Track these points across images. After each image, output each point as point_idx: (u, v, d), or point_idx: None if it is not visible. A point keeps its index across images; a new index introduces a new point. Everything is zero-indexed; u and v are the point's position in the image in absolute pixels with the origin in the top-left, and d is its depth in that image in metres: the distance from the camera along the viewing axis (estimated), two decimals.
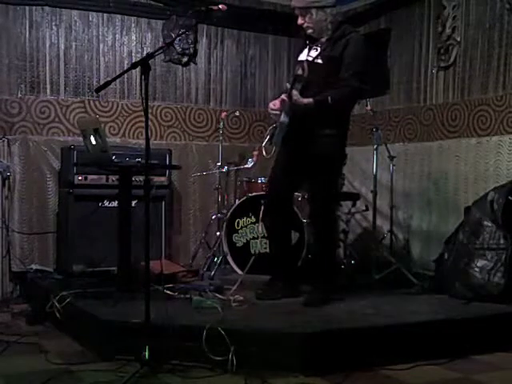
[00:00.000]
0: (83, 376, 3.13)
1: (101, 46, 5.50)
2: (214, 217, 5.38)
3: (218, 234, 5.17)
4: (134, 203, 4.30)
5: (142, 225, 3.26)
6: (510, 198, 4.30)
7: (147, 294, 3.17)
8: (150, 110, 3.29)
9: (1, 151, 5.05)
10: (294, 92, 3.83)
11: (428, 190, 5.45)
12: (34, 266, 5.10)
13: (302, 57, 4.05)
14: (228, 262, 4.91)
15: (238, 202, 4.97)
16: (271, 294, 4.11)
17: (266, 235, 4.62)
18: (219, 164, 5.31)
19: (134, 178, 4.31)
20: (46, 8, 5.27)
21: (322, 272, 4.06)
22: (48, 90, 5.31)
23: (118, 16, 5.54)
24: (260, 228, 4.66)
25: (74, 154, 4.90)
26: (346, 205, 5.51)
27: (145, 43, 5.66)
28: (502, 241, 4.17)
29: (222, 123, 5.45)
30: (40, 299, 4.31)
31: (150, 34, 5.68)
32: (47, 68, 5.30)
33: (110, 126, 5.53)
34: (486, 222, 4.28)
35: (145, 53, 5.16)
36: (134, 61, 4.79)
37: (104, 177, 4.98)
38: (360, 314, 3.75)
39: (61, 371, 3.16)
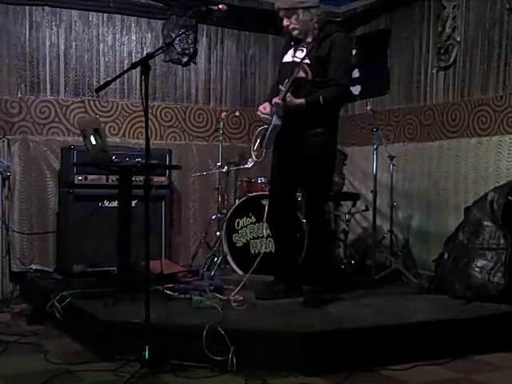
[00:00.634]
0: (83, 376, 3.13)
1: (101, 45, 5.50)
2: (214, 217, 5.38)
3: (217, 233, 5.17)
4: (134, 203, 4.30)
5: (142, 225, 3.26)
6: (510, 197, 4.30)
7: (147, 294, 3.17)
8: (150, 110, 3.29)
9: (1, 151, 5.05)
10: (288, 93, 3.83)
11: (428, 190, 5.45)
12: (33, 266, 5.10)
13: (287, 58, 4.06)
14: (228, 262, 4.91)
15: (237, 202, 4.97)
16: (271, 294, 4.11)
17: (268, 235, 4.62)
18: (219, 164, 5.31)
19: (134, 178, 4.31)
20: (46, 8, 5.27)
21: (320, 272, 4.06)
22: (48, 90, 5.31)
23: (118, 16, 5.54)
24: (263, 228, 4.67)
25: (74, 154, 4.89)
26: (346, 205, 5.52)
27: (145, 43, 5.66)
28: (502, 241, 4.17)
29: (221, 123, 5.45)
30: (40, 299, 4.31)
31: (149, 34, 5.68)
32: (47, 68, 5.30)
33: (110, 126, 5.53)
34: (485, 222, 4.28)
35: (145, 53, 5.15)
36: (134, 61, 4.80)
37: (104, 177, 4.98)
38: (360, 314, 3.76)
39: (61, 371, 3.16)
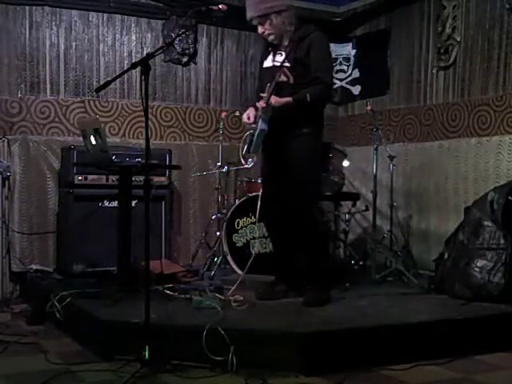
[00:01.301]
0: (83, 376, 3.13)
1: (101, 46, 5.50)
2: (214, 217, 5.38)
3: (217, 233, 5.17)
4: (134, 203, 4.30)
5: (142, 225, 3.25)
6: (510, 197, 4.30)
7: (147, 294, 3.17)
8: (150, 110, 3.29)
9: (1, 151, 5.05)
10: (272, 96, 3.85)
11: (428, 190, 5.45)
12: (34, 266, 5.09)
13: (268, 63, 4.09)
14: (228, 262, 4.91)
15: (237, 202, 4.97)
16: (271, 293, 4.11)
17: (265, 235, 4.63)
18: (219, 164, 5.31)
19: (134, 178, 4.31)
20: (46, 8, 5.27)
21: (311, 272, 4.06)
22: (48, 90, 5.31)
23: (118, 16, 5.54)
24: (263, 228, 4.67)
25: (74, 154, 4.89)
26: (346, 205, 5.52)
27: (145, 43, 5.66)
28: (501, 241, 4.17)
29: (221, 123, 5.45)
30: (40, 299, 4.31)
31: (149, 34, 5.68)
32: (47, 68, 5.30)
33: (110, 126, 5.53)
34: (486, 222, 4.28)
35: (145, 53, 5.16)
36: (134, 61, 4.80)
37: (104, 177, 4.97)
38: (360, 314, 3.76)
39: (61, 371, 3.16)
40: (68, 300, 3.94)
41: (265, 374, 3.11)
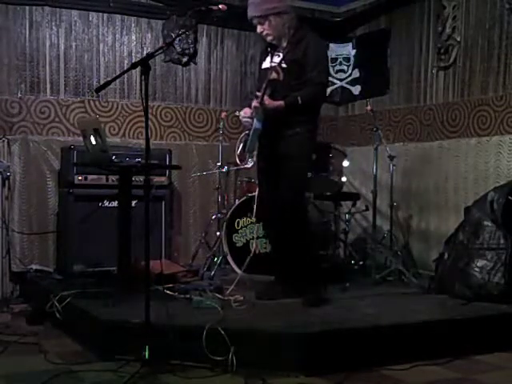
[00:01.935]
0: (83, 376, 3.13)
1: (101, 45, 5.50)
2: (214, 217, 5.38)
3: (217, 233, 5.17)
4: (134, 203, 4.30)
5: (142, 225, 3.25)
6: (510, 197, 4.30)
7: (147, 294, 3.17)
8: (149, 110, 3.29)
9: (1, 151, 5.05)
10: (265, 97, 3.88)
11: (428, 190, 5.45)
12: (33, 266, 5.10)
13: (266, 64, 4.12)
14: (228, 262, 4.91)
15: (237, 202, 4.97)
16: (271, 294, 4.11)
17: (264, 235, 4.63)
18: (219, 164, 5.31)
19: (134, 178, 4.31)
20: (46, 8, 5.27)
21: (302, 271, 4.05)
22: (48, 90, 5.31)
23: (118, 16, 5.54)
24: (259, 228, 4.67)
25: (74, 154, 4.89)
26: (346, 205, 5.52)
27: (145, 43, 5.66)
28: (502, 241, 4.17)
29: (222, 123, 5.44)
30: (40, 299, 4.31)
31: (149, 34, 5.68)
32: (47, 68, 5.30)
33: (110, 126, 5.53)
34: (486, 222, 4.28)
35: (145, 53, 5.16)
36: (134, 61, 4.80)
37: (104, 177, 4.97)
38: (360, 314, 3.76)
39: (61, 371, 3.16)
40: (68, 300, 3.94)
41: (265, 373, 3.10)
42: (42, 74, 5.28)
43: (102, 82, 5.15)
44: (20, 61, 5.19)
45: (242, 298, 3.91)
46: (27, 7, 5.20)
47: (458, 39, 5.22)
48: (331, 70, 6.16)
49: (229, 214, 4.94)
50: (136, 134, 5.59)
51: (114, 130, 5.54)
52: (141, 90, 5.37)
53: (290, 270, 4.18)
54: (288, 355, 3.22)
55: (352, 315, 3.74)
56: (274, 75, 3.89)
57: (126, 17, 5.58)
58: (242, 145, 4.12)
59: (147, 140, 3.22)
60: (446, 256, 4.51)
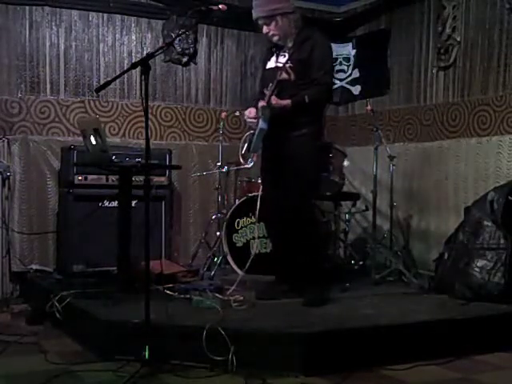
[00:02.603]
0: (83, 376, 3.13)
1: (101, 45, 5.50)
2: (214, 217, 5.38)
3: (217, 233, 5.17)
4: (134, 203, 4.30)
5: (142, 225, 3.25)
6: (510, 197, 4.30)
7: (147, 294, 3.17)
8: (149, 110, 3.29)
9: (1, 151, 5.05)
10: (273, 96, 3.88)
11: (428, 190, 5.45)
12: (34, 266, 5.10)
13: (271, 64, 4.12)
14: (228, 262, 4.91)
15: (238, 202, 4.97)
16: (271, 293, 4.11)
17: (265, 235, 4.63)
18: (219, 164, 5.30)
19: (134, 178, 4.31)
20: (46, 8, 5.27)
21: (308, 272, 4.05)
22: (48, 90, 5.31)
23: (118, 16, 5.54)
24: (263, 228, 4.67)
25: (74, 154, 4.89)
26: (346, 205, 5.52)
27: (145, 43, 5.66)
28: (502, 241, 4.17)
29: (222, 123, 5.44)
30: (40, 299, 4.31)
31: (149, 34, 5.68)
32: (47, 68, 5.30)
33: (110, 126, 5.52)
34: (486, 222, 4.28)
35: (145, 53, 5.16)
36: (134, 61, 4.79)
37: (104, 177, 4.97)
38: (360, 314, 3.76)
39: (61, 371, 3.16)
40: (68, 300, 3.94)
41: (265, 373, 3.11)
42: (42, 74, 5.28)
43: (101, 82, 5.15)
44: (20, 61, 5.19)
45: (241, 297, 3.91)
46: (27, 7, 5.20)
47: (458, 39, 5.22)
48: None
49: (229, 214, 4.94)
50: (136, 133, 5.59)
51: (114, 130, 5.54)
52: (141, 89, 5.37)
53: (294, 270, 4.18)
54: (288, 355, 3.21)
55: (352, 315, 3.74)
56: (284, 75, 3.88)
57: (126, 17, 5.58)
58: (246, 145, 4.10)
59: (147, 140, 3.22)
60: (445, 256, 4.51)
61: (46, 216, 5.22)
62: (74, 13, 5.39)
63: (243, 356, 3.16)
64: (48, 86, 5.31)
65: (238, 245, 4.94)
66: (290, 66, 3.89)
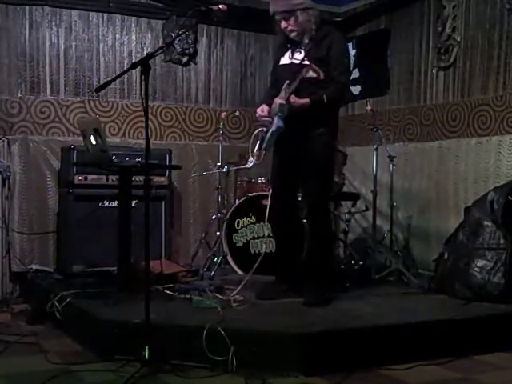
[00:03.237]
0: (83, 376, 3.13)
1: (101, 45, 5.50)
2: (214, 217, 5.38)
3: (217, 233, 5.17)
4: (134, 203, 4.30)
5: (141, 225, 3.25)
6: (510, 197, 4.30)
7: (147, 294, 3.17)
8: (149, 110, 3.29)
9: (1, 151, 5.05)
10: (292, 95, 3.85)
11: (428, 190, 5.45)
12: (34, 266, 5.10)
13: (285, 60, 4.07)
14: (228, 262, 4.91)
15: (238, 202, 4.97)
16: (271, 293, 4.11)
17: (269, 235, 4.62)
18: (219, 164, 5.30)
19: (134, 178, 4.31)
20: (46, 8, 5.27)
21: (320, 271, 4.06)
22: (48, 90, 5.31)
23: (118, 16, 5.54)
24: (263, 228, 4.66)
25: (74, 154, 4.89)
26: (346, 205, 5.52)
27: (145, 43, 5.66)
28: (501, 241, 4.17)
29: (222, 123, 5.44)
30: (40, 299, 4.31)
31: (149, 34, 5.68)
32: (47, 68, 5.30)
33: (110, 126, 5.53)
34: (486, 222, 4.28)
35: (145, 53, 5.16)
36: (134, 61, 4.79)
37: (104, 177, 4.97)
38: (360, 314, 3.75)
39: (61, 371, 3.16)
40: (68, 300, 3.95)
41: (265, 373, 3.11)
42: (42, 74, 5.28)
43: (101, 82, 5.15)
44: (20, 61, 5.19)
45: (241, 297, 3.91)
46: (27, 7, 5.20)
47: (458, 39, 5.22)
48: None
49: (229, 214, 4.94)
50: (136, 134, 5.59)
51: (114, 130, 5.54)
52: (141, 89, 5.37)
53: (296, 271, 4.18)
54: (288, 355, 3.21)
55: (352, 315, 3.74)
56: (311, 74, 3.82)
57: (126, 17, 5.58)
58: (258, 142, 4.04)
59: (147, 140, 3.22)
60: (445, 256, 4.51)
61: (46, 216, 5.22)
62: (74, 13, 5.39)
63: (243, 356, 3.16)
64: (48, 86, 5.31)
65: (237, 245, 4.94)
66: (305, 64, 3.84)
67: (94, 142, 4.07)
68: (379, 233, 5.30)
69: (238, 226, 4.94)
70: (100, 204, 4.99)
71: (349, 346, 3.33)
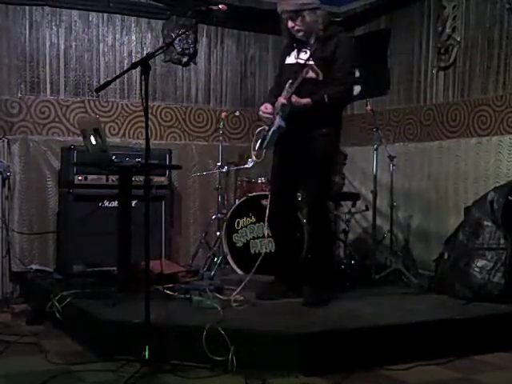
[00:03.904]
0: (83, 376, 3.13)
1: (101, 45, 5.50)
2: (214, 217, 5.38)
3: (217, 233, 5.17)
4: (134, 203, 4.30)
5: (142, 225, 3.25)
6: (510, 197, 4.30)
7: (147, 294, 3.17)
8: (150, 110, 3.29)
9: (1, 151, 5.05)
10: (293, 95, 3.85)
11: (428, 190, 5.45)
12: (34, 266, 5.10)
13: (291, 60, 4.07)
14: (228, 262, 4.91)
15: (238, 202, 4.97)
16: (271, 293, 4.11)
17: (268, 235, 4.61)
18: (219, 164, 5.30)
19: (134, 178, 4.31)
20: (46, 8, 5.27)
21: (320, 271, 4.06)
22: (48, 90, 5.31)
23: (118, 16, 5.54)
24: (263, 228, 4.66)
25: (74, 154, 4.89)
26: (346, 205, 5.52)
27: (145, 43, 5.66)
28: (502, 241, 4.17)
29: (222, 123, 5.44)
30: (40, 299, 4.31)
31: (149, 34, 5.68)
32: (47, 68, 5.30)
33: (110, 126, 5.53)
34: (486, 222, 4.28)
35: (145, 53, 5.16)
36: (134, 61, 4.79)
37: (104, 177, 4.98)
38: (360, 314, 3.75)
39: (61, 371, 3.16)
40: (68, 300, 3.95)
41: (265, 374, 3.11)
42: (42, 74, 5.28)
43: (101, 82, 5.15)
44: (20, 61, 5.19)
45: (242, 297, 3.91)
46: (27, 7, 5.21)
47: (458, 39, 5.22)
48: None
49: (229, 214, 4.94)
50: (136, 134, 5.59)
51: (114, 130, 5.54)
52: (141, 89, 5.38)
53: (292, 270, 4.18)
54: (288, 355, 3.22)
55: (352, 315, 3.74)
56: (311, 74, 3.84)
57: (125, 17, 5.58)
58: (259, 141, 4.04)
59: (147, 140, 3.22)
60: (445, 256, 4.51)
61: (46, 216, 5.23)
62: (74, 13, 5.39)
63: (243, 356, 3.16)
64: (48, 85, 5.31)
65: (237, 245, 4.94)
66: (313, 64, 3.85)
67: (94, 141, 4.07)
68: (379, 233, 5.30)
69: (237, 226, 4.95)
70: (100, 204, 4.99)
71: (349, 346, 3.33)
